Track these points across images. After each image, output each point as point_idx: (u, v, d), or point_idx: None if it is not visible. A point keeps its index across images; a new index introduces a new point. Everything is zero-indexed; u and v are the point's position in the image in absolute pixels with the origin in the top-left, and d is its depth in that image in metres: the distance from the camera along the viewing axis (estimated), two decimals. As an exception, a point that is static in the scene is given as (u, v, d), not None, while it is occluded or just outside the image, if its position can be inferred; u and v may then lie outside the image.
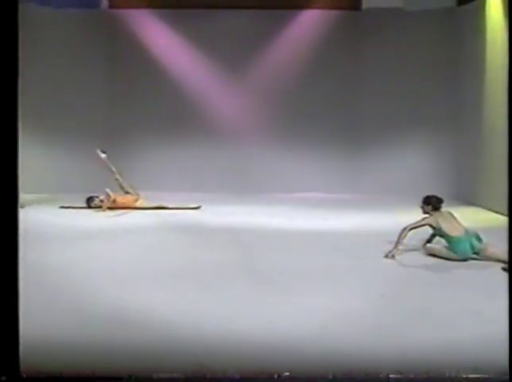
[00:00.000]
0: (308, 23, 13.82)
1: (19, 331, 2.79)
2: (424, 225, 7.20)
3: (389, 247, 7.16)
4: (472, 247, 6.89)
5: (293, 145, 13.90)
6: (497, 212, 10.48)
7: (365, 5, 13.74)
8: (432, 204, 7.28)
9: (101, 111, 13.85)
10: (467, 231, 7.05)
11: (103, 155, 11.46)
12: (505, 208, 8.89)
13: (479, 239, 6.99)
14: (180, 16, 13.71)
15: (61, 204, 11.22)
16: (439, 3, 13.29)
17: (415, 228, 7.15)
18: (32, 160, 12.59)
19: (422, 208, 7.34)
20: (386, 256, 6.97)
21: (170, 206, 11.04)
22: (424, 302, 5.27)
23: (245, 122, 13.92)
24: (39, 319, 4.47)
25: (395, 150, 13.81)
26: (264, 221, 9.75)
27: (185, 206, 11.12)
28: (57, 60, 13.45)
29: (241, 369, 3.79)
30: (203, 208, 11.18)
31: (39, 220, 9.50)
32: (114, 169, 11.32)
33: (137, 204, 11.14)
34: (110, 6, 13.97)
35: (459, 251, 6.86)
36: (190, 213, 10.69)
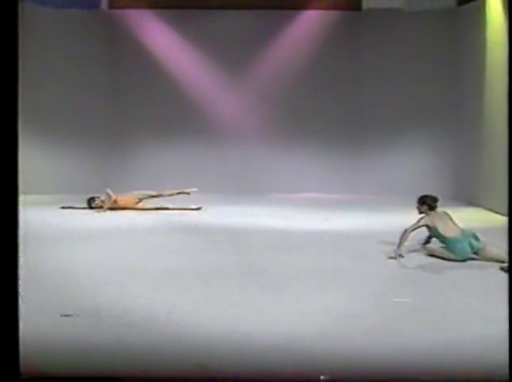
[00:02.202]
0: (308, 23, 13.81)
1: (19, 331, 2.79)
2: (421, 226, 7.19)
3: (389, 247, 7.16)
4: (472, 247, 6.87)
5: (293, 145, 13.90)
6: (496, 212, 10.47)
7: (365, 5, 13.73)
8: (427, 203, 7.26)
9: (101, 111, 13.83)
10: (463, 232, 7.03)
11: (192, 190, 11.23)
12: (504, 208, 8.85)
13: (477, 239, 6.97)
14: (179, 16, 13.71)
15: (62, 205, 11.21)
16: (439, 3, 13.28)
17: (414, 229, 7.14)
18: (33, 160, 12.60)
19: (418, 208, 7.30)
20: (391, 257, 6.93)
21: (171, 207, 11.03)
22: (423, 302, 5.27)
23: (245, 123, 13.91)
24: (39, 319, 4.47)
25: (395, 151, 13.80)
26: (264, 222, 9.75)
27: (186, 207, 11.11)
28: (57, 60, 13.43)
29: (241, 370, 3.79)
30: (203, 208, 11.17)
31: (40, 220, 9.49)
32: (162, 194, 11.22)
33: (138, 204, 11.13)
34: (110, 6, 13.96)
35: (458, 251, 6.85)
36: (191, 214, 10.69)
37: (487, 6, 11.48)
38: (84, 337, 4.28)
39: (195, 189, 11.18)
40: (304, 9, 13.76)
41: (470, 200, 12.13)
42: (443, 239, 7.02)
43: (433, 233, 7.17)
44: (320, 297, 5.39)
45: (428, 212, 7.19)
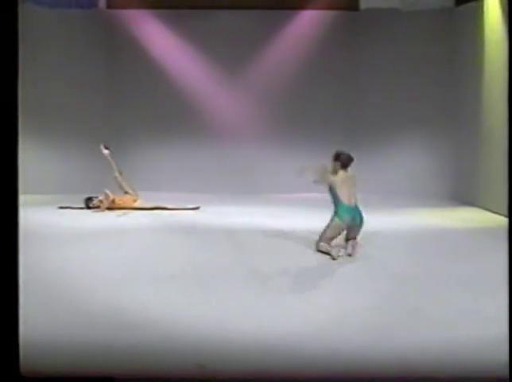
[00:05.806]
0: (306, 23, 13.82)
1: (19, 331, 2.79)
2: (324, 183, 7.14)
3: (389, 246, 7.14)
4: (354, 222, 7.05)
5: (292, 145, 13.90)
6: (494, 213, 10.48)
7: (363, 5, 13.75)
8: (341, 161, 7.18)
9: (100, 111, 13.83)
10: (356, 205, 7.09)
11: (106, 151, 11.39)
12: (502, 208, 8.88)
13: (361, 220, 7.10)
14: (178, 16, 13.71)
15: (60, 205, 11.20)
16: (436, 3, 13.30)
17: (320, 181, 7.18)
18: (32, 160, 12.58)
19: (333, 165, 7.20)
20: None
21: (169, 207, 11.02)
22: (421, 301, 5.28)
23: (244, 123, 13.92)
24: (39, 319, 4.46)
25: (393, 151, 13.81)
26: (263, 222, 9.74)
27: (184, 207, 11.11)
28: (54, 60, 13.41)
29: (239, 370, 3.79)
30: (202, 208, 11.17)
31: (37, 220, 9.48)
32: (114, 167, 11.27)
33: (136, 204, 11.12)
34: (108, 6, 13.95)
35: (346, 219, 7.01)
36: (189, 214, 10.68)
37: (485, 6, 11.49)
38: (84, 337, 4.28)
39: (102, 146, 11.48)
40: (302, 10, 13.78)
41: (468, 200, 12.13)
42: (336, 202, 7.07)
43: (331, 192, 7.14)
44: (318, 297, 5.39)
45: (339, 171, 7.13)
